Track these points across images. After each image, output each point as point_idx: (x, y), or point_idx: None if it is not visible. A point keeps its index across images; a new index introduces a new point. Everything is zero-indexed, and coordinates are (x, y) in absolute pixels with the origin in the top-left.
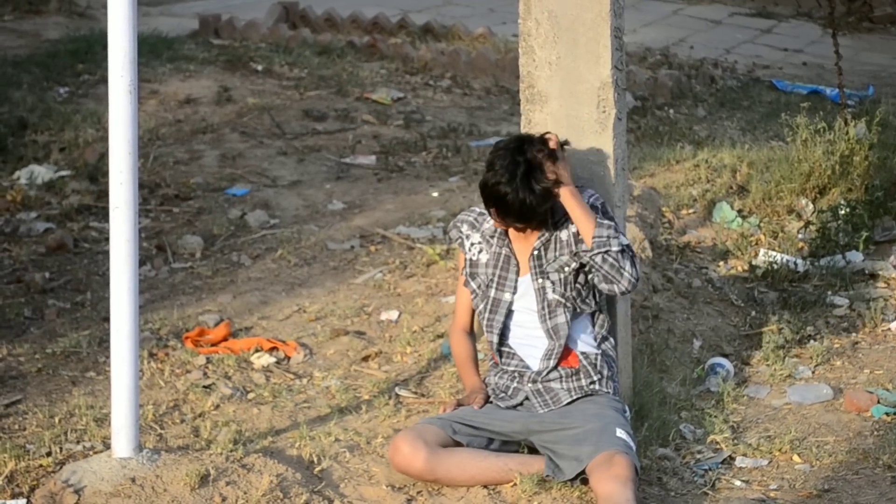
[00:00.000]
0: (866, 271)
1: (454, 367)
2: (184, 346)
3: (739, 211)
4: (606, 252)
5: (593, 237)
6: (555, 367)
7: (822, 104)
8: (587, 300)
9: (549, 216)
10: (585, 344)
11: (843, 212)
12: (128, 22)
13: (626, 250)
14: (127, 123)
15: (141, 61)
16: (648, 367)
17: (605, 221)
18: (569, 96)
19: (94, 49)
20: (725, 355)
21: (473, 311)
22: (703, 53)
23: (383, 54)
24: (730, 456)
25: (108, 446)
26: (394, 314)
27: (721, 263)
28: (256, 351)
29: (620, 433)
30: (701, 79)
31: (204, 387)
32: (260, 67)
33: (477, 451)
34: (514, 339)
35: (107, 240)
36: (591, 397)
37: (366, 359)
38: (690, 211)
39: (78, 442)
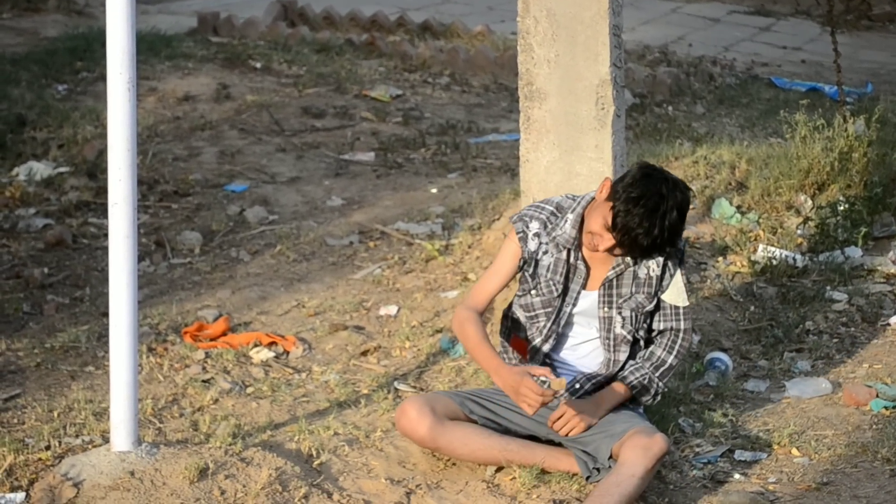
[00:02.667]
0: (865, 267)
1: (453, 362)
2: (183, 341)
3: (738, 207)
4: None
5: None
6: (590, 392)
7: (820, 101)
8: (644, 337)
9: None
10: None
11: (841, 208)
12: (126, 19)
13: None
14: (126, 120)
15: (140, 59)
16: None
17: (633, 378)
18: (567, 93)
19: (92, 46)
20: (724, 350)
21: (493, 299)
22: (701, 51)
23: (382, 52)
24: (729, 449)
25: (107, 440)
26: (393, 309)
27: (720, 259)
28: (255, 346)
29: (651, 424)
30: (700, 76)
31: (203, 381)
32: (259, 65)
33: (482, 428)
34: (560, 354)
35: (106, 235)
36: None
37: (365, 353)
38: (690, 207)
39: (77, 436)
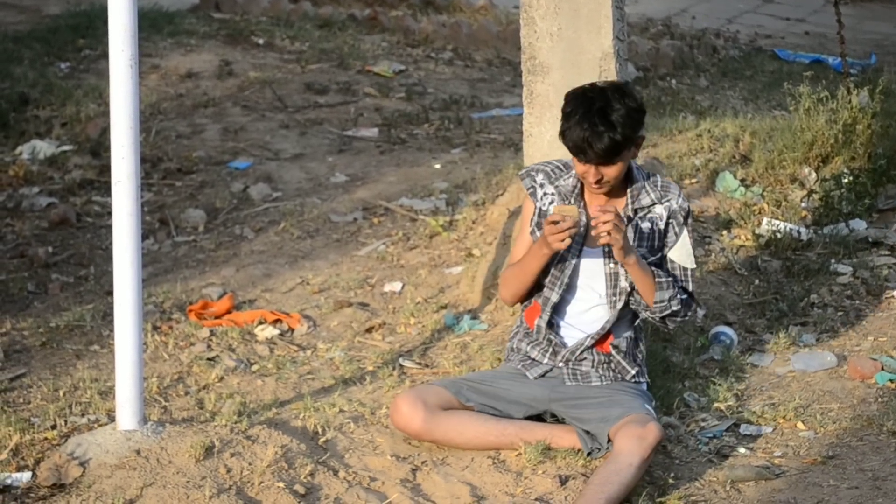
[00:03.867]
0: (870, 239)
1: (458, 338)
2: (187, 319)
3: (742, 180)
4: (665, 316)
5: (655, 301)
6: (589, 348)
7: (824, 73)
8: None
9: (628, 189)
10: (623, 330)
11: (846, 180)
12: None
13: (684, 304)
14: (128, 98)
15: (142, 36)
16: (652, 337)
17: (664, 280)
18: (570, 67)
19: (94, 24)
20: (729, 324)
21: None
22: (705, 23)
23: (384, 27)
24: (734, 424)
25: (112, 419)
26: (397, 286)
27: (724, 233)
28: (260, 323)
29: (648, 408)
30: (703, 49)
31: (208, 359)
32: (261, 41)
33: (477, 414)
34: (566, 310)
35: (109, 214)
36: (622, 382)
37: (369, 330)
38: (693, 181)
39: (83, 415)
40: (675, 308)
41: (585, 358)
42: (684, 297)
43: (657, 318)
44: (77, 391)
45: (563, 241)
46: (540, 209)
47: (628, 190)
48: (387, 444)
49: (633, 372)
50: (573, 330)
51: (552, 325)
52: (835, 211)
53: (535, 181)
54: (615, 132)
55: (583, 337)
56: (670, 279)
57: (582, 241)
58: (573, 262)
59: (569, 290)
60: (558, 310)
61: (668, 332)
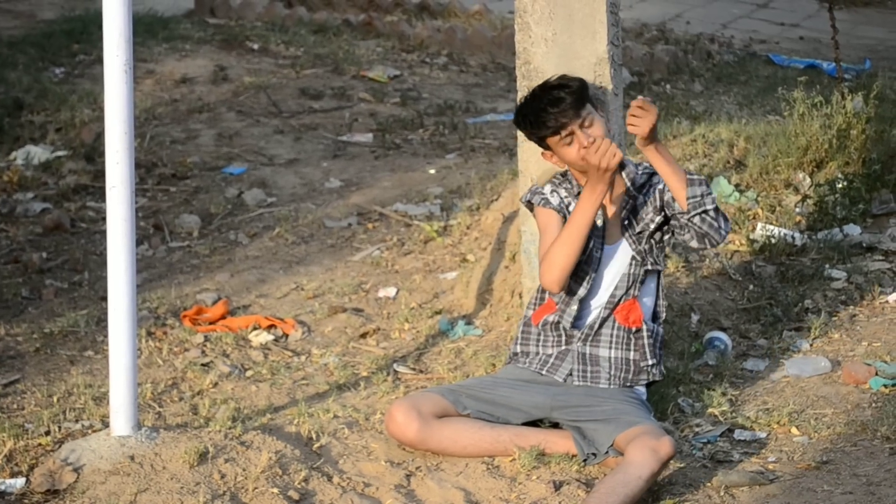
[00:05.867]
0: (864, 244)
1: (452, 344)
2: (182, 325)
3: (737, 185)
4: (704, 212)
5: (687, 198)
6: (608, 317)
7: (819, 78)
8: (658, 259)
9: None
10: (647, 310)
11: (840, 185)
12: (123, 1)
13: (717, 206)
14: (123, 103)
15: (136, 41)
16: None
17: (696, 177)
18: (565, 72)
19: (89, 29)
20: (723, 329)
21: None
22: (699, 28)
23: (379, 32)
24: (728, 429)
25: (106, 425)
26: (392, 291)
27: None
28: (254, 329)
29: (654, 420)
30: (697, 54)
31: (202, 365)
32: (256, 46)
33: (472, 421)
34: (589, 304)
35: (104, 219)
36: (629, 390)
37: (364, 336)
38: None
39: (77, 421)
40: (708, 206)
41: (603, 334)
42: (715, 196)
43: (696, 223)
44: (71, 397)
45: (614, 154)
46: (563, 209)
47: (623, 174)
48: (381, 449)
49: (651, 362)
50: (593, 312)
51: (575, 314)
52: (829, 216)
53: (543, 193)
54: (564, 89)
55: (600, 309)
56: (702, 177)
57: (602, 234)
58: (597, 255)
59: (594, 285)
60: (588, 299)
61: (715, 242)
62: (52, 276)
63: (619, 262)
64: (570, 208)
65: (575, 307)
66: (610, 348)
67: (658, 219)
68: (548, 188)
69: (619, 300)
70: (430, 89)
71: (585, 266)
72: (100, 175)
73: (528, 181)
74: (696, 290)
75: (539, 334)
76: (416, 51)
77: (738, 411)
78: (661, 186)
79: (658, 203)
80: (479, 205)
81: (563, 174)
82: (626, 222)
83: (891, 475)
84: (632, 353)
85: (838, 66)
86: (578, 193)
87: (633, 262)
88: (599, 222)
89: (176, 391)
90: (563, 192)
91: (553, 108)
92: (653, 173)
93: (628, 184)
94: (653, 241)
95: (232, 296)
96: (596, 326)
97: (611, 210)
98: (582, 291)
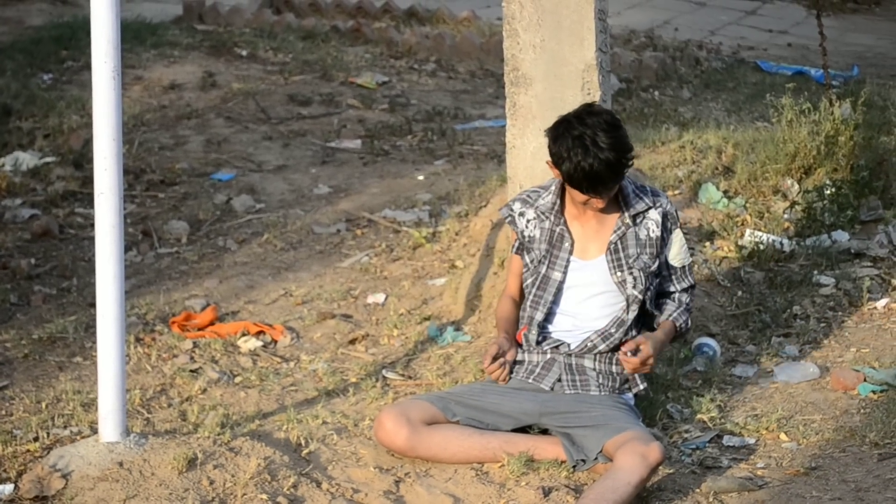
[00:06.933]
0: (852, 250)
1: (441, 350)
2: (170, 331)
3: (725, 192)
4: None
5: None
6: (590, 350)
7: (807, 85)
8: (653, 300)
9: (620, 198)
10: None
11: (828, 192)
12: (111, 8)
13: (689, 310)
14: (111, 109)
15: (125, 47)
16: None
17: (680, 322)
18: (553, 79)
19: (77, 35)
20: (712, 335)
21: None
22: (687, 35)
23: (368, 38)
24: (717, 435)
25: (95, 431)
26: (380, 297)
27: (707, 244)
28: (243, 335)
29: (643, 427)
30: (686, 60)
31: (191, 371)
32: (244, 53)
33: (461, 428)
34: (557, 324)
35: (92, 225)
36: (617, 396)
37: (353, 342)
38: (676, 192)
39: (65, 427)
40: (688, 324)
41: (587, 355)
42: (689, 302)
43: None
44: (59, 403)
45: (502, 375)
46: (523, 233)
47: (620, 199)
48: (370, 455)
49: (641, 384)
50: (564, 335)
51: (547, 336)
52: (817, 222)
53: (512, 210)
54: (615, 169)
55: (593, 335)
56: (680, 309)
57: (567, 259)
58: (557, 277)
59: (553, 309)
60: (549, 320)
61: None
62: (40, 282)
63: (595, 277)
64: (535, 231)
65: (535, 331)
66: (594, 361)
67: (654, 266)
68: (518, 205)
69: (618, 340)
70: (419, 95)
71: (539, 291)
72: (88, 181)
73: (517, 187)
74: None
75: (524, 344)
76: (405, 57)
77: (727, 417)
78: (658, 233)
79: (657, 253)
80: (468, 211)
81: (543, 188)
82: (613, 246)
83: (879, 481)
84: (614, 366)
85: (826, 72)
86: (553, 206)
87: (630, 309)
88: (568, 244)
89: (164, 397)
90: (531, 213)
91: (589, 168)
92: (649, 208)
93: (628, 220)
94: (652, 286)
95: (221, 302)
96: (587, 346)
97: (598, 227)
98: (539, 316)
